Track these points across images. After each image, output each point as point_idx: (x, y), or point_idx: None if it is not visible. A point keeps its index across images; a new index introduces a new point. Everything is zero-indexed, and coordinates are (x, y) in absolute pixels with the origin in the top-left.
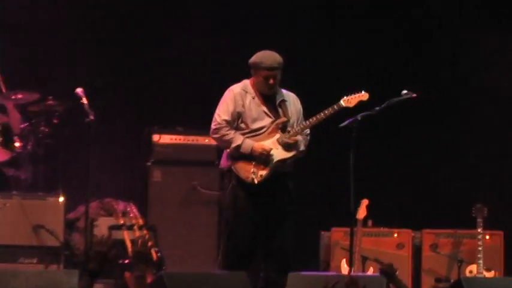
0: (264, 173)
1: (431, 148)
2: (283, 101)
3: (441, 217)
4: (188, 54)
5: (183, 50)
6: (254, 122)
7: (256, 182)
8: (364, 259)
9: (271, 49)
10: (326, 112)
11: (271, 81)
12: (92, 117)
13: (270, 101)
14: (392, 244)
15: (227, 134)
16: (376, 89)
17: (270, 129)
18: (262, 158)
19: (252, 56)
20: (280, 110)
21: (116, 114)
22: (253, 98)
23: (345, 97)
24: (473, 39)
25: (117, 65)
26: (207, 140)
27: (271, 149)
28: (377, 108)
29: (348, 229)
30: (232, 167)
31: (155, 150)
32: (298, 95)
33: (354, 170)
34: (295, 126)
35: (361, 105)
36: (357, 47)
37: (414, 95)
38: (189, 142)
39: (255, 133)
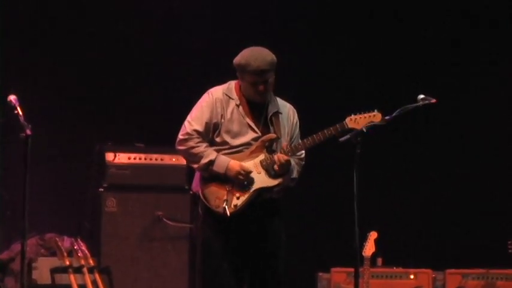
0: (238, 202)
1: (457, 168)
2: (277, 113)
3: (469, 254)
4: (151, 53)
5: (145, 47)
6: (235, 137)
7: (228, 213)
8: None
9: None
10: (326, 133)
11: (260, 87)
12: (28, 131)
13: (260, 111)
14: None
15: (197, 147)
16: (385, 95)
17: (253, 148)
18: (239, 182)
19: (237, 54)
20: (270, 125)
21: (59, 127)
22: (238, 106)
23: (352, 116)
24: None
25: (61, 68)
26: (174, 159)
27: (251, 171)
28: (387, 117)
29: (352, 269)
30: (201, 193)
31: (109, 172)
32: (295, 104)
33: (359, 195)
34: (286, 147)
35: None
36: (362, 49)
37: (433, 100)
38: (151, 162)
39: (233, 150)
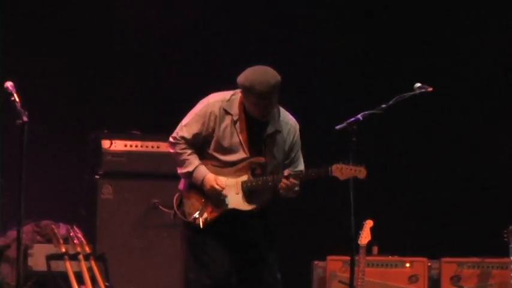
0: (209, 217)
1: (453, 156)
2: (275, 133)
3: (464, 243)
4: (149, 40)
5: (143, 34)
6: (225, 153)
7: (201, 225)
8: None
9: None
10: (310, 174)
11: (264, 108)
12: (25, 118)
13: (258, 129)
14: (403, 276)
15: (182, 153)
16: (380, 82)
17: (240, 166)
18: (212, 196)
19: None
20: (264, 146)
21: (55, 114)
22: (235, 123)
23: (339, 164)
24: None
25: (58, 55)
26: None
27: (224, 188)
28: (383, 105)
29: (348, 258)
30: (180, 195)
31: (105, 159)
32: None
33: (355, 183)
34: (273, 171)
35: (363, 102)
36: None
37: (430, 88)
38: (147, 150)
39: (222, 165)
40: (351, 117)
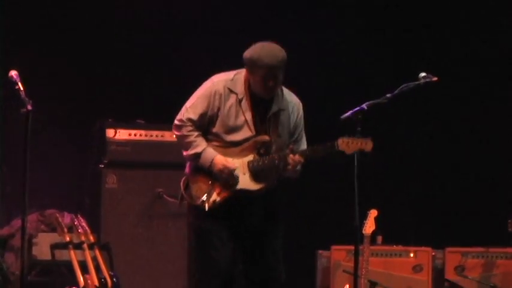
0: (218, 199)
1: (458, 146)
2: (279, 111)
3: (469, 232)
4: (154, 29)
5: (147, 23)
6: (229, 132)
7: (206, 208)
8: (373, 285)
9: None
10: (316, 151)
11: (270, 83)
12: (29, 107)
13: (262, 107)
14: (407, 266)
15: (189, 135)
16: (385, 72)
17: (245, 146)
18: (221, 178)
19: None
20: (268, 124)
21: (60, 103)
22: (240, 101)
23: (345, 138)
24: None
25: (62, 43)
26: (175, 136)
27: (234, 169)
28: (388, 95)
29: (352, 247)
30: (186, 179)
31: (109, 148)
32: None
33: (359, 173)
34: (277, 150)
35: (368, 92)
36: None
37: (435, 78)
38: (152, 139)
39: (226, 145)
40: (356, 107)
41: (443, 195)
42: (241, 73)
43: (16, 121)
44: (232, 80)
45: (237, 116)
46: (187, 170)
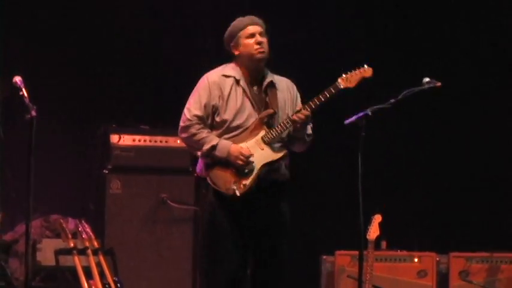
0: (247, 182)
1: (461, 150)
2: (274, 83)
3: (473, 237)
4: (156, 34)
5: (150, 28)
6: (236, 115)
7: (238, 194)
8: None
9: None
10: (320, 98)
11: (258, 38)
12: (33, 113)
13: (258, 83)
14: (412, 271)
15: (198, 133)
16: (389, 77)
17: (252, 126)
18: (240, 166)
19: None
20: (268, 97)
21: (64, 108)
22: (237, 82)
23: (343, 75)
24: None
25: (65, 49)
26: (179, 141)
27: (251, 155)
28: (392, 100)
29: (357, 252)
30: (208, 177)
31: (114, 154)
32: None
33: (363, 178)
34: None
35: (372, 97)
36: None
37: (438, 83)
38: (156, 144)
39: (234, 131)
40: (360, 112)
41: (448, 200)
42: (230, 64)
43: (20, 126)
44: (223, 69)
45: (237, 95)
46: (199, 170)
